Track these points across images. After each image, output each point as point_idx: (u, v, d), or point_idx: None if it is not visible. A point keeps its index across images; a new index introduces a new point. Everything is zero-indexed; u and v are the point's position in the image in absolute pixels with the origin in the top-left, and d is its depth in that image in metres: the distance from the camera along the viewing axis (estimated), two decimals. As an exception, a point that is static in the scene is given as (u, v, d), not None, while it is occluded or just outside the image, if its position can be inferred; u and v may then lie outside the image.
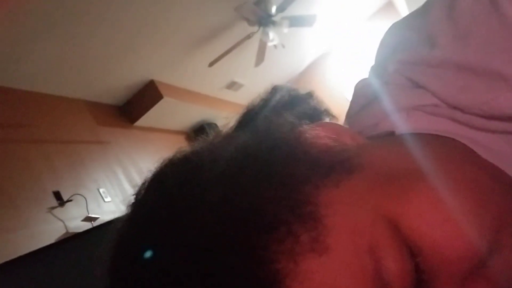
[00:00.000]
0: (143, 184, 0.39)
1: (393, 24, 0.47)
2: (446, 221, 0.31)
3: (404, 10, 4.63)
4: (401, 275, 0.30)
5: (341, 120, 0.49)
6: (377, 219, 0.31)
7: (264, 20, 3.92)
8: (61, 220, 2.78)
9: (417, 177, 0.34)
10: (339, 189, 0.33)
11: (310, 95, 0.48)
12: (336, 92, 5.22)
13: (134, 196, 0.39)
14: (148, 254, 0.33)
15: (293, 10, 3.97)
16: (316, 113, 0.46)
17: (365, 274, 0.30)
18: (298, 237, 0.30)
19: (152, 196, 0.37)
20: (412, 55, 0.41)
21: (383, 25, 2.99)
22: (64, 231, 2.73)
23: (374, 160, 0.36)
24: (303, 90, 0.49)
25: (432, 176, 0.34)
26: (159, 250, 0.32)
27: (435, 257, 0.31)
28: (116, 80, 3.92)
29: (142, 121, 4.30)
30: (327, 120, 0.47)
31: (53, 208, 2.80)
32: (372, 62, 0.49)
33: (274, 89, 0.48)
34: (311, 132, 0.38)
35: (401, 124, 0.41)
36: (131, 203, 0.39)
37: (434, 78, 0.38)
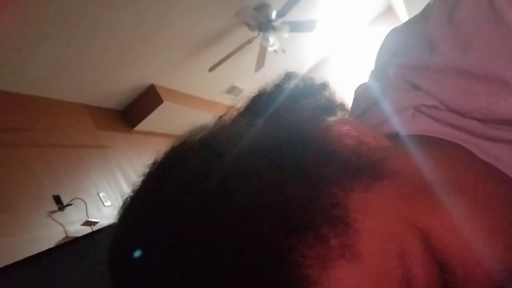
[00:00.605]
0: (154, 164, 0.37)
1: (393, 29, 0.47)
2: (478, 242, 0.31)
3: (404, 15, 4.64)
4: (429, 285, 0.29)
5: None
6: (408, 228, 0.31)
7: (264, 25, 3.93)
8: (61, 224, 2.77)
9: (447, 192, 0.33)
10: (369, 193, 0.32)
11: (325, 85, 0.46)
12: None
13: (144, 177, 0.36)
14: (164, 249, 0.30)
15: (293, 15, 3.98)
16: (331, 106, 0.44)
17: (393, 282, 0.29)
18: (328, 242, 0.29)
19: (170, 183, 0.33)
20: (412, 59, 0.41)
21: (383, 30, 3.00)
22: (63, 235, 2.73)
23: (402, 166, 0.35)
24: (318, 80, 0.46)
25: (460, 193, 0.33)
26: (178, 245, 0.30)
27: (462, 274, 0.30)
28: (117, 85, 3.93)
29: (142, 126, 4.31)
30: (340, 114, 0.45)
31: (53, 212, 2.79)
32: (372, 67, 0.49)
33: (288, 76, 0.46)
34: (337, 129, 0.36)
35: (406, 125, 0.41)
36: (140, 183, 0.36)
37: (434, 82, 0.38)
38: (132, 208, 0.36)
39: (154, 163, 0.37)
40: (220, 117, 0.41)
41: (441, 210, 0.32)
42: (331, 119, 0.39)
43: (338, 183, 0.32)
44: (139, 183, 0.37)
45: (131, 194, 0.37)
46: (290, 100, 0.42)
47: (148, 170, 0.37)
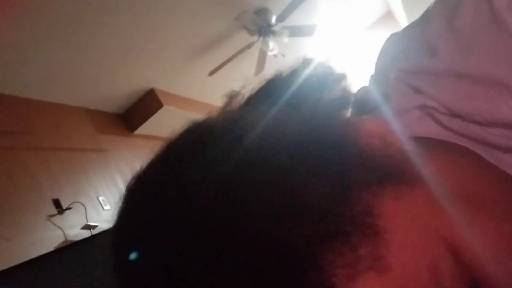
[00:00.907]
0: (169, 146, 0.34)
1: (392, 34, 0.47)
2: (507, 258, 0.30)
3: (403, 20, 4.65)
4: None
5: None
6: (438, 241, 0.29)
7: (264, 30, 3.94)
8: (60, 228, 2.77)
9: (477, 205, 0.32)
10: (400, 202, 0.30)
11: (343, 75, 0.42)
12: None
13: (156, 158, 0.34)
14: (178, 245, 0.28)
15: (293, 20, 3.98)
16: (349, 99, 0.41)
17: None
18: (357, 251, 0.27)
19: (188, 170, 0.31)
20: (412, 64, 0.41)
21: (383, 34, 3.01)
22: (63, 239, 2.72)
23: (430, 174, 0.33)
24: (338, 69, 0.43)
25: (487, 205, 0.32)
26: (195, 242, 0.28)
27: None
28: (117, 88, 3.93)
29: (142, 129, 4.30)
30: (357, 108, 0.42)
31: (52, 216, 2.79)
32: (372, 71, 0.49)
33: (307, 62, 0.43)
34: (368, 128, 0.34)
35: (412, 127, 0.40)
36: (151, 164, 0.34)
37: (435, 86, 0.38)
38: (143, 193, 0.33)
39: (168, 145, 0.35)
40: (233, 96, 0.39)
41: (472, 224, 0.31)
42: (361, 116, 0.37)
43: (369, 188, 0.30)
44: (150, 164, 0.34)
45: (141, 175, 0.34)
46: (309, 87, 0.39)
47: (161, 151, 0.34)
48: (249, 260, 0.27)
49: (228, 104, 0.39)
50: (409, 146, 0.34)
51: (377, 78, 0.47)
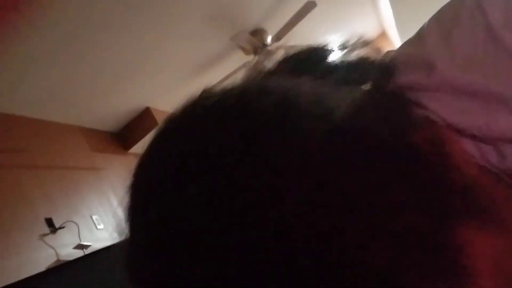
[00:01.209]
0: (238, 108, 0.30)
1: (387, 51, 0.47)
2: None
3: (397, 40, 4.71)
4: None
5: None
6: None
7: (259, 50, 3.97)
8: (53, 248, 2.73)
9: None
10: (489, 243, 0.27)
11: (394, 70, 0.39)
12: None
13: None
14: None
15: (289, 40, 4.03)
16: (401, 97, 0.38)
17: None
18: None
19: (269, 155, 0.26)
20: (409, 80, 0.41)
21: (377, 55, 3.04)
22: (55, 259, 2.69)
23: (505, 210, 0.30)
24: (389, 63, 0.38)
25: None
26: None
27: None
28: (112, 107, 3.93)
29: (137, 148, 4.29)
30: None
31: (44, 235, 2.76)
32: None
33: (363, 43, 0.39)
34: (460, 149, 0.30)
35: None
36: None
37: (434, 101, 0.38)
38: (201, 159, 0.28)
39: (238, 104, 0.31)
40: (283, 62, 0.35)
41: None
42: (443, 130, 0.34)
43: (465, 222, 0.26)
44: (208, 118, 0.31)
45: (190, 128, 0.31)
46: (368, 70, 0.36)
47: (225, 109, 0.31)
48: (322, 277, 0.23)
49: (262, 63, 0.35)
50: (481, 178, 0.30)
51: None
